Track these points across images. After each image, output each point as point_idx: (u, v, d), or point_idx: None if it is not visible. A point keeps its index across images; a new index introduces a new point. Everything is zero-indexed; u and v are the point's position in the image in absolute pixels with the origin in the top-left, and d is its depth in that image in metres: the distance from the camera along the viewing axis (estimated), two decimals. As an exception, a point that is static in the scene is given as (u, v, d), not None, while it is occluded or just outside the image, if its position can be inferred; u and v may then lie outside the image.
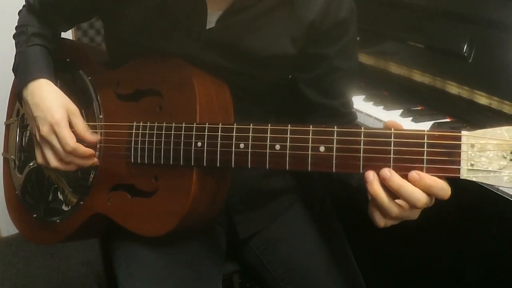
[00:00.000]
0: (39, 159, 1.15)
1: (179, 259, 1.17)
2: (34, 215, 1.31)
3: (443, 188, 0.81)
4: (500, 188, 1.16)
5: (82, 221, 1.20)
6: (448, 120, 1.47)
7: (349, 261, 1.28)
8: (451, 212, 1.46)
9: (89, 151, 1.12)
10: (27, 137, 1.33)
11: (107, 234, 1.28)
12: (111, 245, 1.26)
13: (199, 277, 1.18)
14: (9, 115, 1.41)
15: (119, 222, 1.13)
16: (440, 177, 0.80)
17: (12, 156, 1.35)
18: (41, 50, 1.22)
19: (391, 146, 0.81)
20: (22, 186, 1.34)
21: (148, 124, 1.07)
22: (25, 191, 1.34)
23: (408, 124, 1.44)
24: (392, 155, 0.81)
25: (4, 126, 1.42)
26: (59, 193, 1.27)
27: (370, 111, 1.54)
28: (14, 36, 1.27)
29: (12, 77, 1.38)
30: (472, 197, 1.20)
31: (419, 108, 1.56)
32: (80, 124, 1.13)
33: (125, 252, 1.20)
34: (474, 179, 0.77)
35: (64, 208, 1.25)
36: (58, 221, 1.25)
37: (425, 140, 0.80)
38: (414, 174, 0.80)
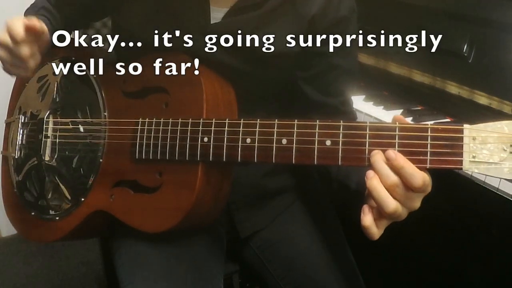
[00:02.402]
0: None
1: (181, 258, 1.18)
2: (32, 213, 1.31)
3: (413, 174, 0.80)
4: (500, 187, 1.16)
5: (83, 219, 1.20)
6: (448, 120, 1.48)
7: (349, 261, 1.29)
8: (451, 212, 1.47)
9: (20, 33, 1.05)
10: (27, 135, 1.33)
11: (107, 234, 1.28)
12: (112, 245, 1.26)
13: (201, 277, 1.18)
14: (10, 114, 1.42)
15: (122, 218, 1.13)
16: (443, 169, 0.81)
17: (12, 154, 1.35)
18: (48, 22, 1.22)
19: (395, 140, 0.83)
20: (21, 183, 1.34)
21: (154, 120, 1.07)
22: (24, 189, 1.33)
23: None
24: (396, 148, 0.82)
25: (5, 124, 1.43)
26: (59, 190, 1.26)
27: (370, 111, 1.55)
28: (25, 14, 1.28)
29: (12, 76, 1.38)
30: (472, 197, 1.20)
31: (419, 108, 1.56)
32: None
33: (126, 251, 1.20)
34: (476, 171, 0.78)
35: (64, 205, 1.25)
36: (57, 218, 1.25)
37: (429, 133, 0.81)
38: (390, 152, 0.82)
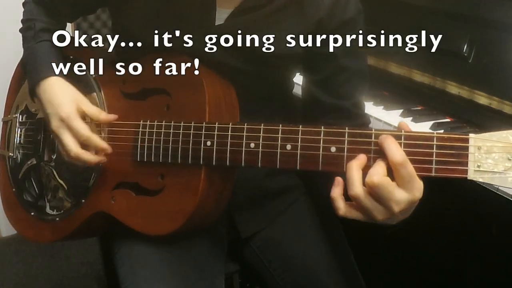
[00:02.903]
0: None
1: (182, 258, 1.18)
2: (32, 213, 1.30)
3: (395, 153, 0.82)
4: (500, 188, 1.17)
5: (83, 220, 1.19)
6: (448, 120, 1.47)
7: (349, 261, 1.29)
8: (451, 212, 1.47)
9: (103, 143, 1.12)
10: (25, 134, 1.33)
11: (108, 233, 1.28)
12: (112, 244, 1.26)
13: (202, 277, 1.19)
14: (7, 112, 1.41)
15: (123, 220, 1.13)
16: (448, 178, 0.81)
17: (10, 154, 1.35)
18: (49, 46, 1.23)
19: (401, 147, 0.83)
20: (20, 183, 1.34)
21: (155, 122, 1.07)
22: (23, 189, 1.33)
23: (408, 124, 1.44)
24: None
25: (2, 122, 1.42)
26: (58, 191, 1.26)
27: (370, 111, 1.54)
28: (21, 30, 1.28)
29: (10, 73, 1.38)
30: (472, 197, 1.20)
31: (419, 108, 1.56)
32: (93, 109, 1.15)
33: (127, 251, 1.20)
34: (480, 180, 0.79)
35: (64, 206, 1.25)
36: (57, 219, 1.25)
37: (434, 142, 0.81)
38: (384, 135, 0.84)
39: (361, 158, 0.85)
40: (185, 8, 1.11)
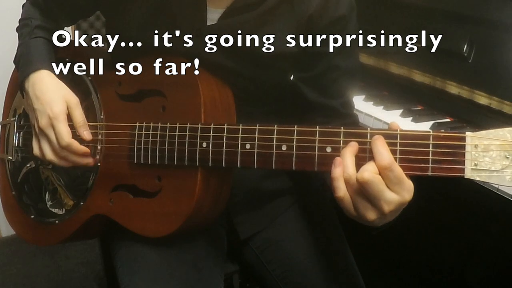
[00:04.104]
0: (36, 151, 1.16)
1: (181, 259, 1.17)
2: (32, 216, 1.30)
3: (382, 157, 0.82)
4: (500, 188, 1.16)
5: (82, 222, 1.19)
6: (448, 120, 1.47)
7: (349, 261, 1.28)
8: (451, 212, 1.47)
9: (83, 149, 1.12)
10: (24, 138, 1.32)
11: (107, 234, 1.28)
12: (112, 246, 1.26)
13: (201, 277, 1.18)
14: (5, 115, 1.40)
15: (121, 223, 1.12)
16: (444, 177, 0.81)
17: (9, 157, 1.35)
18: (44, 42, 1.22)
19: (397, 147, 0.82)
20: (19, 186, 1.33)
21: (151, 124, 1.07)
22: (22, 192, 1.33)
23: (408, 124, 1.45)
24: (398, 155, 0.82)
25: (0, 126, 1.42)
26: (57, 194, 1.26)
27: (370, 111, 1.54)
28: (17, 29, 1.28)
29: (7, 77, 1.37)
30: (472, 197, 1.20)
31: (419, 108, 1.56)
32: (78, 117, 1.13)
33: (126, 252, 1.20)
34: (477, 179, 0.78)
35: (63, 209, 1.24)
36: (57, 222, 1.25)
37: (431, 141, 0.81)
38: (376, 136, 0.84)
39: (353, 145, 0.85)
40: (176, 10, 1.10)
